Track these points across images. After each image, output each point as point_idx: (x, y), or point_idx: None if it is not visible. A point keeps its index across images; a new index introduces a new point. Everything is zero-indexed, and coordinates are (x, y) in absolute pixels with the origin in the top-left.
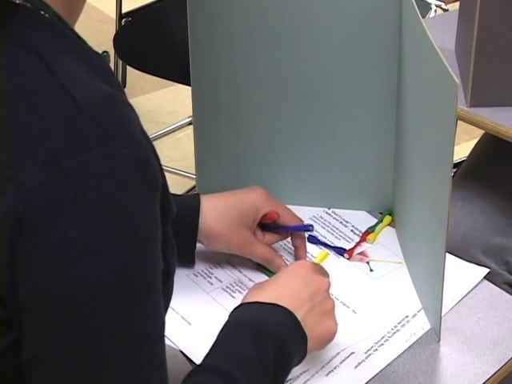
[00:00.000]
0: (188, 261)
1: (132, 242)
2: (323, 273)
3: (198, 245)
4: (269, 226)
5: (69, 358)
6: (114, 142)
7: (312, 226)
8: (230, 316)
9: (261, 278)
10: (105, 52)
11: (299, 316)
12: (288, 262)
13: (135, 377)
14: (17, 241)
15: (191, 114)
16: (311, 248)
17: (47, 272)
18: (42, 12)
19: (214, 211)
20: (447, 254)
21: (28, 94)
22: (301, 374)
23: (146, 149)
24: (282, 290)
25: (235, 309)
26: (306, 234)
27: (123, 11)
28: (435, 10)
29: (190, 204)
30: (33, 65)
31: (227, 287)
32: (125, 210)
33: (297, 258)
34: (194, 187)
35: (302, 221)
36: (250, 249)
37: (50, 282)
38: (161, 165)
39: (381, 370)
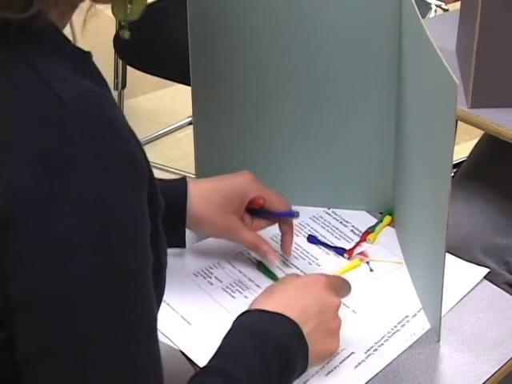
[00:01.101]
0: (179, 244)
1: (121, 237)
2: (338, 289)
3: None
4: (257, 211)
5: (63, 355)
6: (99, 138)
7: (298, 212)
8: (237, 320)
9: (261, 278)
10: (88, 52)
11: (305, 331)
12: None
13: (130, 371)
14: (5, 239)
15: (191, 114)
16: (311, 248)
17: (37, 270)
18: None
19: (199, 194)
20: (447, 254)
21: (12, 92)
22: None
23: (131, 143)
24: (292, 302)
25: (243, 313)
26: (295, 221)
27: None
28: (435, 10)
29: (177, 189)
30: (16, 63)
31: (227, 287)
32: (112, 205)
33: (283, 243)
34: None
35: (289, 206)
36: (237, 234)
37: (40, 280)
38: (147, 157)
39: (381, 370)
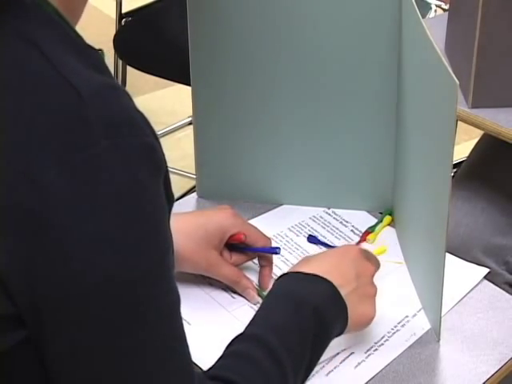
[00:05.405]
0: None
1: (147, 229)
2: (371, 258)
3: None
4: (236, 245)
5: (95, 350)
6: (119, 131)
7: (279, 248)
8: (275, 283)
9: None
10: (99, 50)
11: (343, 292)
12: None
13: (161, 355)
14: (33, 238)
15: (191, 114)
16: (311, 248)
17: (67, 270)
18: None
19: (181, 233)
20: (447, 254)
21: (31, 88)
22: None
23: (150, 135)
24: (331, 268)
25: (281, 276)
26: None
27: (123, 11)
28: (435, 10)
29: None
30: (33, 58)
31: (227, 287)
32: (137, 198)
33: (261, 277)
34: (194, 187)
35: (269, 241)
36: (217, 270)
37: (70, 279)
38: (162, 149)
39: (381, 370)
